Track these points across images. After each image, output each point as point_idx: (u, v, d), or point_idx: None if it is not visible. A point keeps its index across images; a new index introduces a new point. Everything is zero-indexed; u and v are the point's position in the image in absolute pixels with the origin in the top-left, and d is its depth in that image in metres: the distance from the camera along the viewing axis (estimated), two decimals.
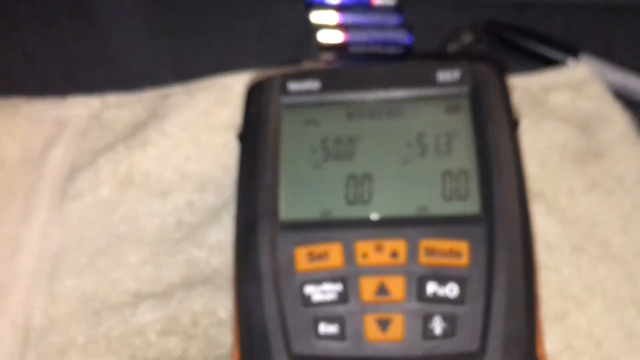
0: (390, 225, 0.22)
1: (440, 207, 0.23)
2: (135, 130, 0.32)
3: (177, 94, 0.33)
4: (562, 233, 0.28)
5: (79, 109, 0.33)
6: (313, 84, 0.25)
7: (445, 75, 0.25)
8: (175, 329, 0.26)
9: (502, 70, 0.25)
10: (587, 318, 0.26)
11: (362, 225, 0.22)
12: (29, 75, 0.36)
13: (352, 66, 0.34)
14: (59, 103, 0.33)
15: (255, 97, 0.25)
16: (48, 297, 0.27)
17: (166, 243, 0.29)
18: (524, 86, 0.33)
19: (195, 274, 0.28)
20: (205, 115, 0.32)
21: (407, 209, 0.23)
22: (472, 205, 0.23)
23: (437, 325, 0.21)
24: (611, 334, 0.25)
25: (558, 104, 0.32)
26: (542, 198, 0.29)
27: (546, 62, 0.35)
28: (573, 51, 0.35)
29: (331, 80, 0.25)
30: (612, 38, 0.37)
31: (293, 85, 0.25)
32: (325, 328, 0.21)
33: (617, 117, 0.31)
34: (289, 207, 0.23)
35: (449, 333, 0.21)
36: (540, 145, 0.31)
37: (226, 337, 0.26)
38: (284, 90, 0.25)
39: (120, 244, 0.29)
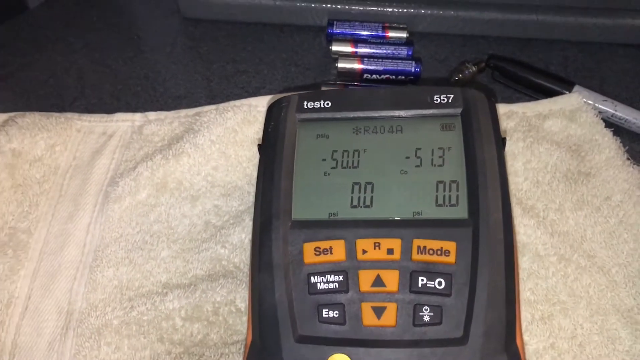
0: (388, 226, 0.25)
1: (433, 212, 0.26)
2: (172, 143, 0.36)
3: (210, 112, 0.37)
4: (551, 244, 0.30)
5: (124, 123, 0.38)
6: (325, 103, 0.29)
7: (440, 98, 0.28)
8: (198, 315, 0.29)
9: (491, 95, 0.27)
10: (571, 321, 0.28)
11: (363, 225, 0.25)
12: (82, 95, 0.41)
13: (359, 89, 0.37)
14: (107, 118, 0.38)
15: (274, 113, 0.29)
16: (89, 285, 0.31)
17: (194, 241, 0.32)
18: (522, 113, 0.36)
19: (218, 269, 0.31)
20: (234, 132, 0.35)
21: (404, 213, 0.26)
22: (460, 211, 0.25)
23: (426, 314, 0.23)
24: (593, 337, 0.27)
25: (552, 130, 0.35)
26: (533, 212, 0.31)
27: (544, 93, 0.38)
28: (568, 83, 0.38)
29: (340, 100, 0.29)
30: (605, 72, 0.40)
31: (307, 104, 0.29)
32: (327, 313, 0.24)
33: (607, 142, 0.33)
34: (300, 209, 0.26)
35: (436, 321, 0.23)
36: (534, 166, 0.33)
37: (243, 325, 0.29)
38: (300, 108, 0.29)
39: (153, 241, 0.32)
